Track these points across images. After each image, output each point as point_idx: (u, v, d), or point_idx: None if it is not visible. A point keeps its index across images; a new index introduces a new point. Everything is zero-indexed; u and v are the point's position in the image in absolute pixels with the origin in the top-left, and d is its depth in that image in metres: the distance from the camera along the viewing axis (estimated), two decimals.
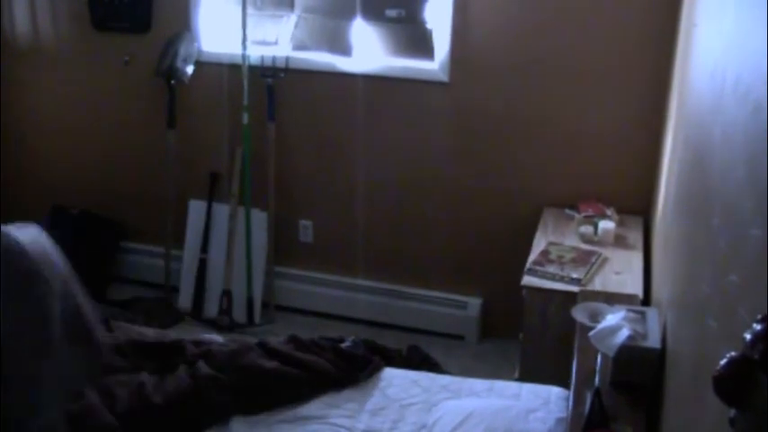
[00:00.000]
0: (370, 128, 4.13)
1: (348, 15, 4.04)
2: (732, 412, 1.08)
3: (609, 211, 3.72)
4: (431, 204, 4.16)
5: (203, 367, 2.85)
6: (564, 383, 2.85)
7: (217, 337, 3.29)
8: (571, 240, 3.60)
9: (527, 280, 3.28)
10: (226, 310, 4.26)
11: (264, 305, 4.36)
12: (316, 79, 4.14)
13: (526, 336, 3.32)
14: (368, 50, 4.06)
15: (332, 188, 4.30)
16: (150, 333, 3.19)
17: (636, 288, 3.19)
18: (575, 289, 3.16)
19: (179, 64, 4.16)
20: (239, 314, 4.29)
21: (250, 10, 4.09)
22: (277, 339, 3.18)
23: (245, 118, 4.14)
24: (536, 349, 3.30)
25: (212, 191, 4.40)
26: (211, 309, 4.33)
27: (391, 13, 3.99)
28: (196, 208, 4.43)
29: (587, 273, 3.29)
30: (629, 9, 3.62)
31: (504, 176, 4.01)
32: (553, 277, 3.28)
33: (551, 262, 3.37)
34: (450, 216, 4.14)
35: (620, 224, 3.68)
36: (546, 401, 2.80)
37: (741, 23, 1.66)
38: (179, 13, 4.22)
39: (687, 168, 2.43)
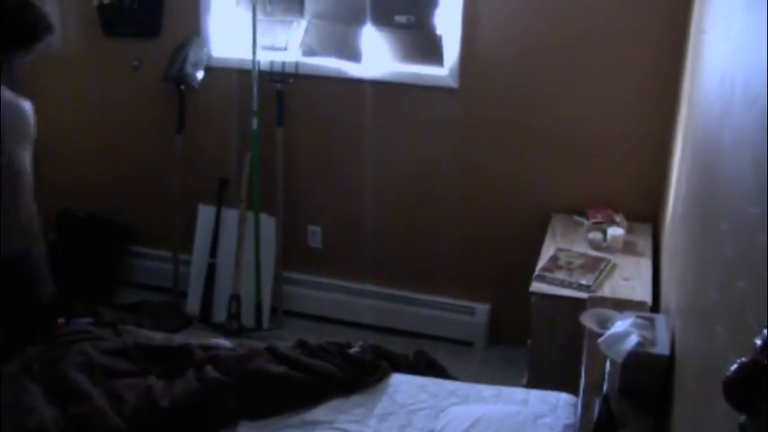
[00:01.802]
0: (378, 134, 4.13)
1: (358, 21, 4.04)
2: (742, 418, 1.07)
3: (618, 218, 3.71)
4: (439, 210, 4.16)
5: (211, 372, 2.86)
6: (572, 390, 2.84)
7: (225, 342, 3.30)
8: (580, 247, 3.59)
9: (535, 286, 3.28)
10: (234, 314, 4.27)
11: (273, 310, 4.36)
12: (325, 85, 4.15)
13: (534, 342, 3.31)
14: (377, 56, 4.07)
15: (340, 193, 4.31)
16: (158, 337, 3.20)
17: (645, 295, 3.18)
18: (583, 295, 3.16)
19: (188, 69, 4.17)
20: (247, 319, 4.30)
21: (260, 15, 4.10)
22: (285, 344, 3.19)
23: (255, 123, 4.15)
24: (544, 355, 3.30)
25: (221, 196, 4.41)
26: (220, 313, 4.33)
27: (401, 19, 4.00)
28: (205, 212, 4.44)
29: (596, 279, 3.29)
30: (639, 17, 3.62)
31: (512, 182, 4.01)
32: (562, 284, 3.27)
33: (560, 268, 3.36)
34: (458, 222, 4.14)
35: (628, 231, 3.67)
36: (554, 407, 2.80)
37: (750, 29, 1.66)
38: (189, 18, 4.24)
39: (696, 175, 2.43)
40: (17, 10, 2.84)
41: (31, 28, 2.87)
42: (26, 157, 2.86)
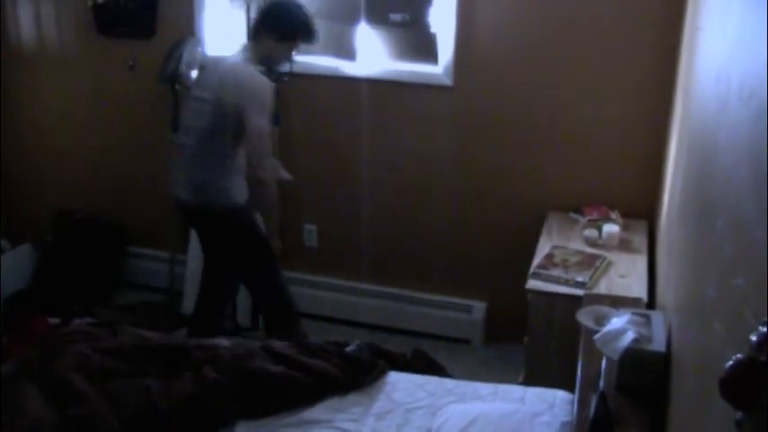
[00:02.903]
0: (374, 132, 4.13)
1: (352, 20, 4.04)
2: (739, 415, 1.07)
3: (613, 215, 3.72)
4: (435, 208, 4.17)
5: (209, 372, 2.85)
6: (569, 387, 2.84)
7: (222, 341, 3.29)
8: (576, 244, 3.59)
9: (532, 284, 3.28)
10: (231, 314, 4.26)
11: None
12: (320, 83, 4.15)
13: (531, 339, 3.32)
14: (372, 55, 4.07)
15: (336, 192, 4.30)
16: (155, 337, 3.19)
17: (641, 291, 3.19)
18: (579, 292, 3.16)
19: (183, 69, 4.16)
20: (244, 318, 4.29)
21: (254, 15, 4.08)
22: (282, 343, 3.18)
23: None
24: (541, 353, 3.30)
25: None
26: None
27: (396, 17, 4.00)
28: None
29: (592, 276, 3.29)
30: (634, 15, 3.62)
31: (508, 180, 4.01)
32: (558, 281, 3.28)
33: (556, 266, 3.37)
34: (454, 220, 4.15)
35: (624, 228, 3.67)
36: (551, 405, 2.80)
37: (746, 26, 1.66)
38: (183, 18, 4.24)
39: (692, 171, 2.43)
40: (296, 8, 3.47)
41: (293, 26, 3.45)
42: (263, 123, 3.35)
